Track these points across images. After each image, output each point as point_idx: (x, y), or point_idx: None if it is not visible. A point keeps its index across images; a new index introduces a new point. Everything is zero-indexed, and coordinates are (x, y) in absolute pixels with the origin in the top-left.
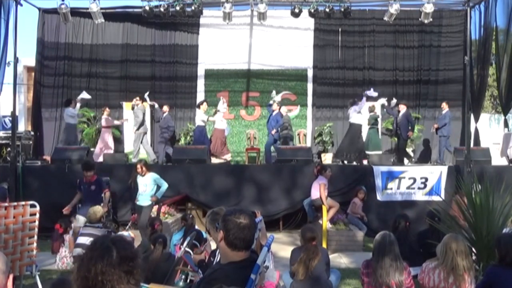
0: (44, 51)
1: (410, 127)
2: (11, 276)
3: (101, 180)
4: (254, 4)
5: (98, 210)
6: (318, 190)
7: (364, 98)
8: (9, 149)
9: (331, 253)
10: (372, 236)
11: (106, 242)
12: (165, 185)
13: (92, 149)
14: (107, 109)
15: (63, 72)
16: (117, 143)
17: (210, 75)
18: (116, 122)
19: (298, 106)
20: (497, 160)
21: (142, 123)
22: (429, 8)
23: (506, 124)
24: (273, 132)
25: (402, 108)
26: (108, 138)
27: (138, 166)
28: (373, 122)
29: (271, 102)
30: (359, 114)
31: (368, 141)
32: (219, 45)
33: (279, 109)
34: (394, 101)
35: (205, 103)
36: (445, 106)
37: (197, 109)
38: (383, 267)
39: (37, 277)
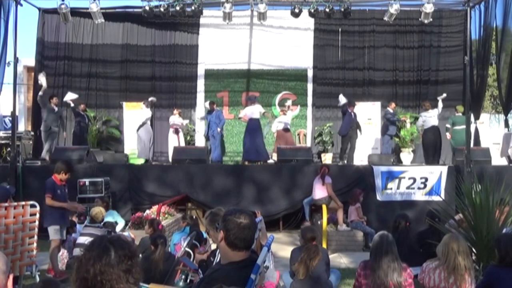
0: (44, 51)
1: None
2: (11, 276)
3: None
4: (254, 4)
5: (102, 210)
6: (322, 190)
7: (440, 101)
8: (9, 149)
9: (331, 253)
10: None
11: (104, 241)
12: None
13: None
14: (177, 110)
15: (63, 72)
16: (117, 143)
17: (210, 75)
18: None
19: (298, 106)
20: (497, 160)
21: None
22: (429, 8)
23: (506, 124)
24: (219, 130)
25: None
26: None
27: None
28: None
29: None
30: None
31: (456, 141)
32: (219, 45)
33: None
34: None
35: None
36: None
37: (252, 105)
38: (381, 268)
39: (37, 277)
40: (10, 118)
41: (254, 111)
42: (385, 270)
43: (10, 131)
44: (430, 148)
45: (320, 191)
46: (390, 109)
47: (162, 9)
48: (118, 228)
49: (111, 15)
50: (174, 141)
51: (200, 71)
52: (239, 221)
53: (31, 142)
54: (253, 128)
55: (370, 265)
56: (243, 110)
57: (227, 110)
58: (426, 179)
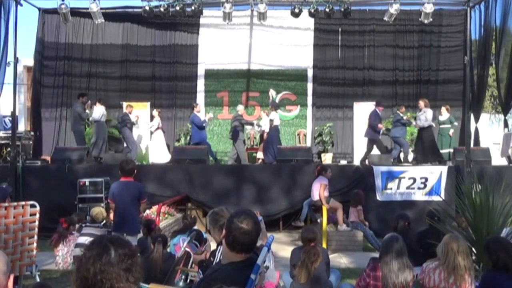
0: (44, 51)
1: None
2: (11, 276)
3: None
4: (254, 4)
5: (103, 210)
6: (318, 190)
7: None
8: (9, 149)
9: (331, 253)
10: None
11: (104, 241)
12: None
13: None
14: (157, 110)
15: (63, 72)
16: (117, 143)
17: (210, 75)
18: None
19: (298, 106)
20: (497, 160)
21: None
22: (429, 8)
23: (506, 124)
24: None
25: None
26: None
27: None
28: (449, 122)
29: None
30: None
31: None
32: (219, 45)
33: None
34: None
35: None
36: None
37: (275, 110)
38: (392, 270)
39: (37, 277)
40: (10, 118)
41: (277, 117)
42: (396, 272)
43: (10, 131)
44: (434, 145)
45: (318, 192)
46: (399, 113)
47: (162, 9)
48: None
49: (111, 15)
50: (159, 142)
51: (200, 71)
52: (241, 225)
53: (31, 142)
54: (278, 134)
55: (379, 266)
56: (271, 115)
57: (227, 110)
58: (426, 179)
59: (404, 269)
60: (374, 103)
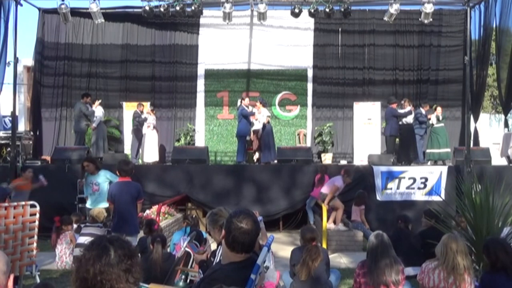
0: (44, 51)
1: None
2: (11, 276)
3: None
4: (254, 4)
5: (103, 210)
6: (329, 188)
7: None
8: (9, 149)
9: (331, 253)
10: None
11: (104, 241)
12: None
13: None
14: (150, 108)
15: (63, 72)
16: (117, 143)
17: (210, 75)
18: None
19: (298, 106)
20: (497, 160)
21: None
22: (429, 8)
23: (506, 124)
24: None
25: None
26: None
27: (85, 163)
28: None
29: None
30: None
31: (437, 140)
32: (219, 45)
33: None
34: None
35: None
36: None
37: (260, 109)
38: (379, 267)
39: (37, 277)
40: (10, 118)
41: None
42: (383, 269)
43: (10, 131)
44: (413, 145)
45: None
46: (422, 110)
47: (162, 9)
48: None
49: (111, 15)
50: (152, 141)
51: (200, 71)
52: (241, 225)
53: (31, 142)
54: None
55: (367, 265)
56: (264, 111)
57: (227, 110)
58: (426, 179)
59: (391, 266)
60: (380, 103)
